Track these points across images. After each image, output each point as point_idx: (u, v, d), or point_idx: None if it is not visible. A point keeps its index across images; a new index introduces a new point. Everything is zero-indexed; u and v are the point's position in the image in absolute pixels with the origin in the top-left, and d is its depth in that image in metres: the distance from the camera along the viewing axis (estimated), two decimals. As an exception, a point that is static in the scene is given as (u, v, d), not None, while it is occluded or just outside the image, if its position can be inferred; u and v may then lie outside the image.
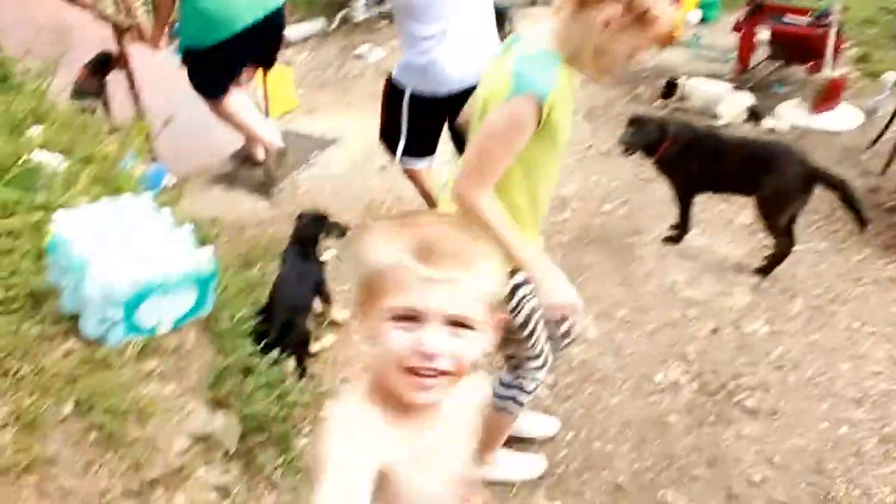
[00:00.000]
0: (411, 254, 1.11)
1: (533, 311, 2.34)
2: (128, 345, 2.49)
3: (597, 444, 2.83)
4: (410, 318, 1.12)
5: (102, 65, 4.71)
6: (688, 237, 4.12)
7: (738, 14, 6.64)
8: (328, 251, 4.04)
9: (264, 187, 4.93)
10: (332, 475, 1.12)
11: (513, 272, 2.22)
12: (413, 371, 1.13)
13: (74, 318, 2.53)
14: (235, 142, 5.41)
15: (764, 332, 3.44)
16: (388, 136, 4.04)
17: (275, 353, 2.96)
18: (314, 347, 3.31)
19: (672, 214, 4.20)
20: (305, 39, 8.39)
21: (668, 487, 2.62)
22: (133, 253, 2.56)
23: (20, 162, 3.14)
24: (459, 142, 3.81)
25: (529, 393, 2.51)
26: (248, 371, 2.78)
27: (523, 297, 2.30)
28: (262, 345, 2.95)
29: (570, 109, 2.10)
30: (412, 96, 3.75)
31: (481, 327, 1.16)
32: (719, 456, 2.76)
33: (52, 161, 3.25)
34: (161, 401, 2.36)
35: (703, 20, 8.57)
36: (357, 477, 1.14)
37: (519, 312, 2.31)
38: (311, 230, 3.43)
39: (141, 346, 2.51)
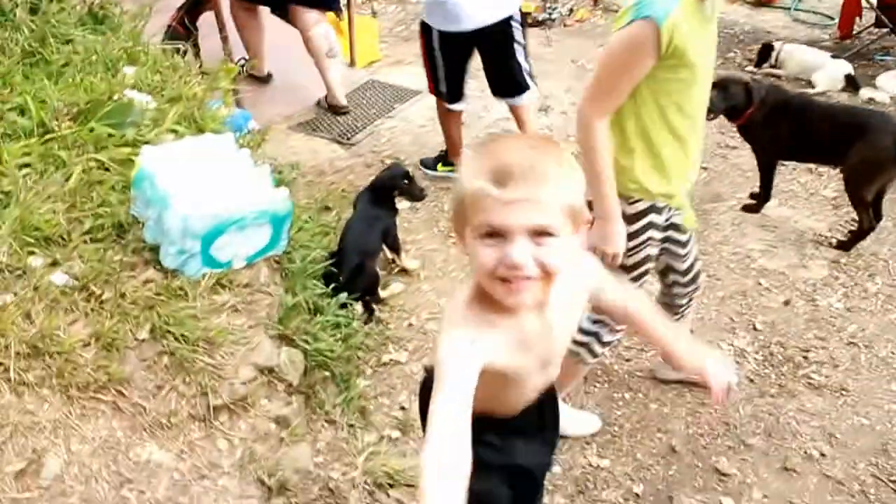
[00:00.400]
0: (489, 179, 1.23)
1: (647, 259, 2.34)
2: (203, 277, 2.62)
3: (653, 406, 2.83)
4: (495, 234, 1.25)
5: (194, 7, 4.86)
6: (768, 207, 4.01)
7: (843, -24, 6.32)
8: (402, 202, 4.10)
9: (345, 136, 5.02)
10: (447, 377, 1.30)
11: (649, 210, 2.25)
12: (505, 280, 1.27)
13: (155, 249, 2.66)
14: (319, 91, 5.51)
15: (839, 308, 3.35)
16: (433, 81, 4.31)
17: (343, 296, 3.05)
18: (383, 293, 3.38)
19: (753, 183, 4.09)
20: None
21: (721, 455, 2.61)
22: (213, 189, 2.67)
23: (113, 99, 3.28)
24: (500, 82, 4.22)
25: (605, 345, 2.50)
26: (316, 311, 2.88)
27: (647, 241, 2.30)
28: (331, 287, 3.05)
29: (703, 38, 2.08)
30: (440, 35, 3.98)
31: (564, 233, 1.27)
32: (778, 428, 2.72)
33: (141, 100, 3.39)
34: (230, 332, 2.47)
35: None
36: (465, 380, 1.30)
37: (634, 254, 2.31)
38: (390, 182, 3.49)
39: (215, 279, 2.63)
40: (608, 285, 1.65)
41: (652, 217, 2.28)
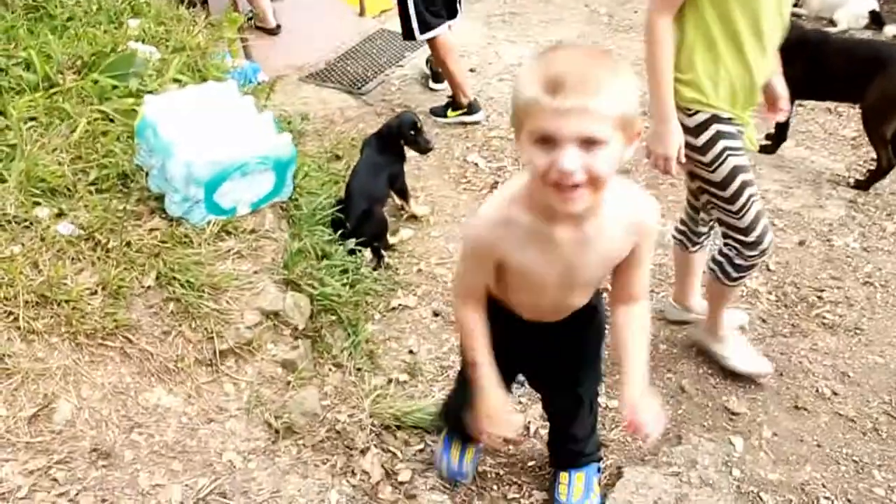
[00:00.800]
0: (543, 87, 1.28)
1: (737, 170, 2.27)
2: (208, 224, 2.62)
3: (663, 346, 2.80)
4: (548, 140, 1.31)
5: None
6: (784, 147, 3.92)
7: None
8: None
9: (356, 85, 4.97)
10: (466, 261, 1.70)
11: (712, 119, 2.21)
12: (555, 184, 1.34)
13: (160, 198, 2.66)
14: (329, 43, 5.45)
15: (855, 248, 3.28)
16: (404, 19, 4.27)
17: (351, 242, 3.04)
18: (392, 239, 3.37)
19: (768, 125, 4.00)
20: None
21: (731, 394, 2.58)
22: (215, 136, 2.66)
23: (117, 51, 3.27)
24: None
25: (738, 268, 2.42)
26: (323, 257, 2.87)
27: (724, 151, 2.24)
28: (338, 233, 3.04)
29: None
30: None
31: (614, 142, 1.32)
32: (790, 367, 2.69)
33: (145, 51, 3.37)
34: (235, 277, 2.47)
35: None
36: (481, 269, 1.66)
37: (717, 167, 2.26)
38: (398, 130, 3.44)
39: (220, 226, 2.63)
40: (645, 249, 1.65)
41: (718, 127, 2.22)
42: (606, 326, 1.97)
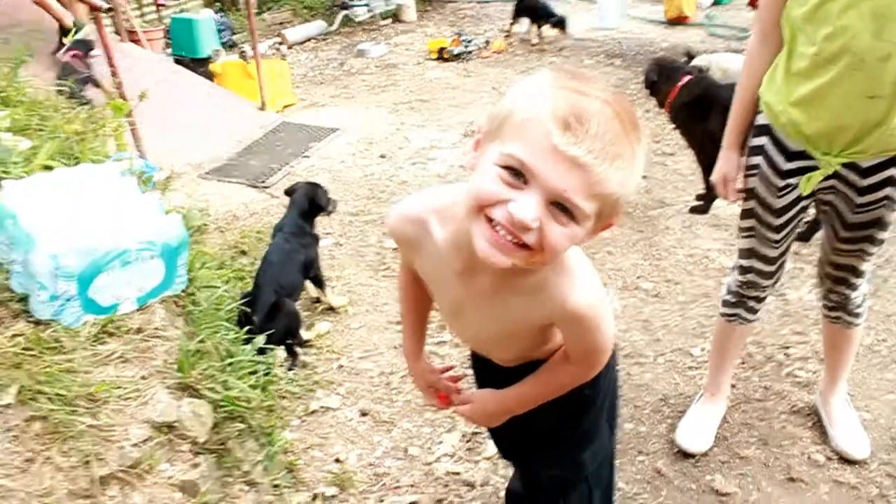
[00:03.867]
0: (558, 118, 1.00)
1: (750, 194, 2.04)
2: (84, 325, 2.18)
3: (629, 425, 2.46)
4: (519, 175, 1.02)
5: (86, 45, 4.56)
6: (716, 206, 3.75)
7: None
8: (326, 238, 3.73)
9: (260, 179, 4.63)
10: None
11: (760, 129, 1.97)
12: (491, 221, 1.05)
13: (25, 299, 2.21)
14: (228, 138, 5.14)
15: (811, 300, 3.06)
16: None
17: (260, 339, 2.62)
18: (307, 334, 2.96)
19: (696, 186, 3.85)
20: (307, 40, 8.17)
21: (716, 472, 2.24)
22: (87, 221, 2.25)
23: (-24, 140, 2.85)
24: None
25: (725, 303, 2.28)
26: (227, 356, 2.44)
27: (752, 168, 2.01)
28: (244, 330, 2.62)
29: None
30: None
31: (584, 223, 1.05)
32: (773, 434, 2.37)
33: (14, 141, 2.96)
34: (117, 385, 2.02)
35: (716, 2, 8.33)
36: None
37: (746, 177, 2.04)
38: (312, 200, 3.13)
39: (99, 326, 2.19)
40: (571, 334, 1.33)
41: (762, 141, 1.96)
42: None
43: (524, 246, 1.04)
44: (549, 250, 1.05)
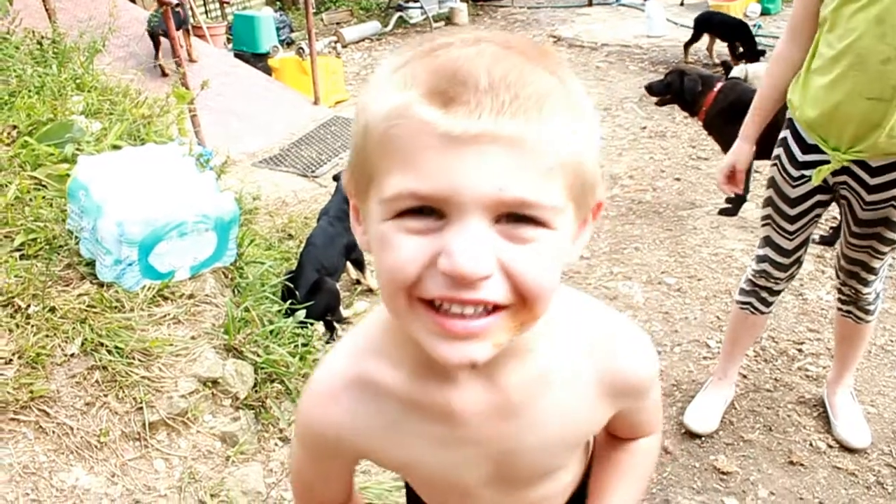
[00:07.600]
0: (426, 92, 0.62)
1: (774, 180, 2.17)
2: (142, 289, 2.40)
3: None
4: (427, 211, 0.63)
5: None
6: (745, 209, 3.85)
7: None
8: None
9: (309, 169, 4.86)
10: (302, 452, 0.93)
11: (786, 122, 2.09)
12: (437, 308, 0.65)
13: (92, 264, 2.44)
14: (282, 128, 5.38)
15: (829, 300, 3.15)
16: None
17: (302, 313, 2.83)
18: (346, 312, 3.16)
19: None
20: (362, 40, 8.41)
21: (720, 452, 2.37)
22: (150, 194, 2.48)
23: (55, 119, 3.12)
24: None
25: (740, 290, 2.40)
26: (270, 325, 2.65)
27: (774, 159, 2.14)
28: (288, 303, 2.83)
29: None
30: None
31: (559, 221, 0.65)
32: (778, 421, 2.49)
33: (87, 122, 3.22)
34: (169, 343, 2.24)
35: (764, 13, 8.35)
36: (326, 469, 0.94)
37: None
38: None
39: (156, 290, 2.41)
40: (644, 406, 0.95)
41: (785, 133, 2.10)
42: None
43: (496, 308, 0.66)
44: (532, 290, 0.65)
